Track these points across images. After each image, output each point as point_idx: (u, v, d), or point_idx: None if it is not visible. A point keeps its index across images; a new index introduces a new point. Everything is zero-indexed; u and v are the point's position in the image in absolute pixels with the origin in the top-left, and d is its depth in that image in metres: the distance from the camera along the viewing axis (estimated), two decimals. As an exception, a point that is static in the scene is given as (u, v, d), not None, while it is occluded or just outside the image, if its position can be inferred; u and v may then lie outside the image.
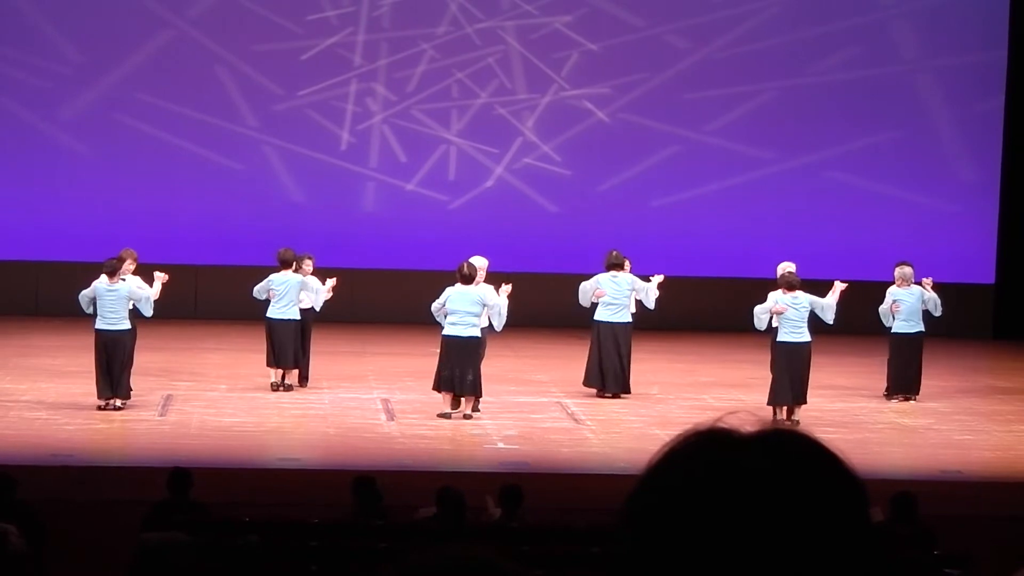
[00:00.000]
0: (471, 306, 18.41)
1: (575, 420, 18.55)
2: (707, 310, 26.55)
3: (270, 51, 27.14)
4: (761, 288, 26.97)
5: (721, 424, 1.91)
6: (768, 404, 18.35)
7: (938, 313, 20.12)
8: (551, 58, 27.51)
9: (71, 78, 26.87)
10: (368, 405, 19.10)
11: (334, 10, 27.31)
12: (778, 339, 18.47)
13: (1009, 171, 27.76)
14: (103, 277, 18.43)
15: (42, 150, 26.87)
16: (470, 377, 18.24)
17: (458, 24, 27.42)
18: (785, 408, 18.31)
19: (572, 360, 21.62)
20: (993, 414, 19.74)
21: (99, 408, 18.05)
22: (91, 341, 18.95)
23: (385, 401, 19.31)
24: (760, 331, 18.86)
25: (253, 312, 20.81)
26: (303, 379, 20.01)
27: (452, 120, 27.52)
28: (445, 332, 18.48)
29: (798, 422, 18.09)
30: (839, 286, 18.93)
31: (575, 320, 22.84)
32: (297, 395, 19.52)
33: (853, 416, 18.62)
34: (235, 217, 26.99)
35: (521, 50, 27.51)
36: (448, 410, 18.29)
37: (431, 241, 26.90)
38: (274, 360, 19.77)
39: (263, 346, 19.93)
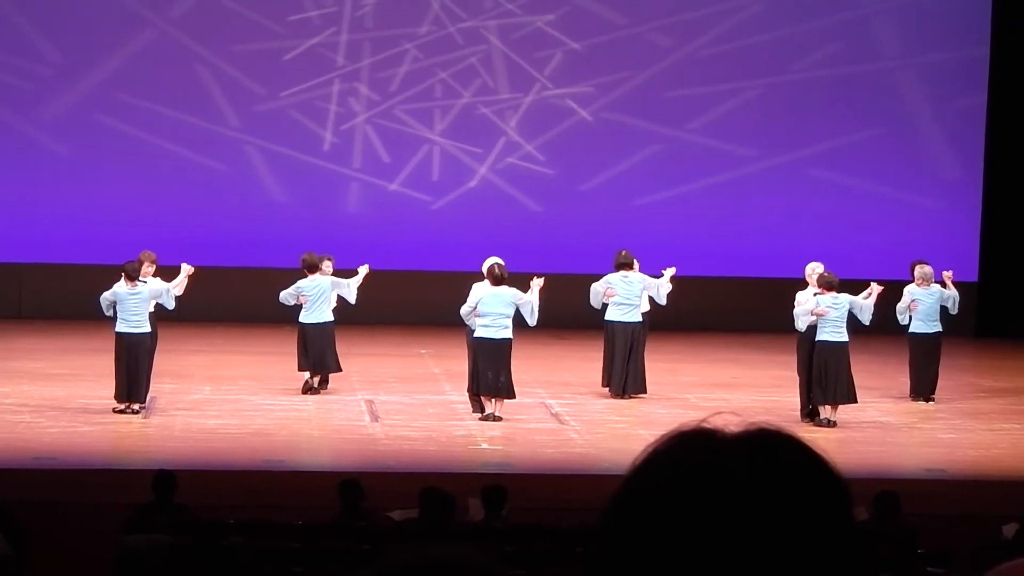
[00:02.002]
0: (504, 307, 18.39)
1: (559, 421, 18.54)
2: (690, 310, 26.50)
3: (252, 51, 27.10)
4: (744, 287, 27.08)
5: (705, 424, 1.91)
6: (812, 404, 18.35)
7: (955, 311, 20.11)
8: (533, 57, 27.51)
9: (51, 79, 26.79)
10: (352, 407, 19.08)
11: (316, 10, 27.28)
12: (818, 338, 18.42)
13: (991, 168, 27.79)
14: (122, 281, 18.33)
15: (23, 151, 26.79)
16: (503, 379, 18.22)
17: (441, 23, 27.41)
18: (828, 407, 18.35)
19: (557, 360, 21.63)
20: (976, 412, 19.76)
21: (117, 411, 17.98)
22: (75, 344, 18.97)
23: (369, 403, 19.29)
24: (800, 331, 18.74)
25: (236, 314, 20.78)
26: (324, 382, 19.96)
27: (435, 120, 27.50)
28: (477, 334, 18.38)
29: (835, 423, 18.18)
30: (876, 288, 18.94)
31: (560, 320, 22.85)
32: (282, 397, 19.49)
33: (837, 415, 18.63)
34: (218, 218, 26.93)
35: (504, 49, 27.50)
36: (491, 410, 18.24)
37: (414, 242, 26.86)
38: (309, 364, 19.70)
39: (244, 348, 19.92)
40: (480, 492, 12.20)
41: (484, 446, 17.05)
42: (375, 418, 18.41)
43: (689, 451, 1.88)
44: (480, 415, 18.22)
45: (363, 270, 20.06)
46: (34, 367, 20.92)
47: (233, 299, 20.13)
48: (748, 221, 27.42)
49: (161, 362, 20.43)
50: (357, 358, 21.95)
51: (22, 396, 18.99)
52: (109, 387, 18.29)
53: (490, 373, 18.20)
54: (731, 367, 21.56)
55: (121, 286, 18.27)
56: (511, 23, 27.50)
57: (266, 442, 17.19)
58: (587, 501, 12.04)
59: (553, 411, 19.05)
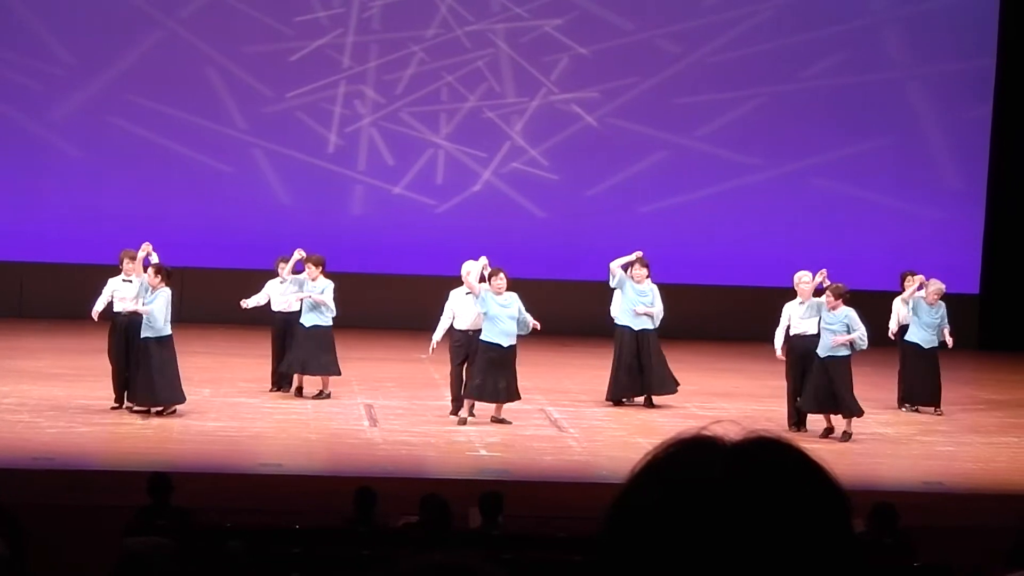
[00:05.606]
0: (507, 314, 18.54)
1: (558, 428, 18.54)
2: (692, 318, 26.50)
3: (260, 52, 27.08)
4: (749, 296, 27.03)
5: (704, 432, 1.92)
6: (802, 411, 18.40)
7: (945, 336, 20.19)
8: (540, 62, 27.49)
9: (61, 79, 26.80)
10: (351, 411, 19.08)
11: (324, 11, 27.27)
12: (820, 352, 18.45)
13: (996, 179, 27.77)
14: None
15: (30, 150, 26.80)
16: (501, 384, 18.28)
17: (448, 26, 27.39)
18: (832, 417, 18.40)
19: (556, 367, 21.61)
20: (976, 426, 19.73)
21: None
22: (75, 344, 18.95)
23: (368, 407, 19.29)
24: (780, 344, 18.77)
25: (238, 316, 20.76)
26: (278, 382, 19.93)
27: (441, 123, 27.49)
28: (484, 339, 18.44)
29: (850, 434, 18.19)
30: (823, 274, 18.96)
31: (562, 327, 22.83)
32: (281, 400, 19.49)
33: (836, 426, 18.61)
34: (223, 219, 26.92)
35: (511, 53, 27.48)
36: (465, 415, 18.30)
37: (418, 245, 26.84)
38: (299, 368, 19.76)
39: (246, 350, 19.89)
40: (478, 499, 12.20)
41: (482, 452, 17.04)
42: (374, 423, 18.41)
43: (687, 459, 1.88)
44: (461, 417, 18.22)
45: (298, 254, 19.86)
46: (34, 366, 20.92)
47: (235, 301, 20.09)
48: (753, 230, 27.40)
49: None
50: (357, 362, 21.96)
51: (21, 395, 18.99)
52: (108, 387, 18.32)
53: (491, 380, 18.21)
54: (732, 377, 21.54)
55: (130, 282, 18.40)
56: (518, 27, 27.49)
57: (265, 445, 17.19)
58: (585, 509, 12.04)
59: (552, 418, 19.05)
